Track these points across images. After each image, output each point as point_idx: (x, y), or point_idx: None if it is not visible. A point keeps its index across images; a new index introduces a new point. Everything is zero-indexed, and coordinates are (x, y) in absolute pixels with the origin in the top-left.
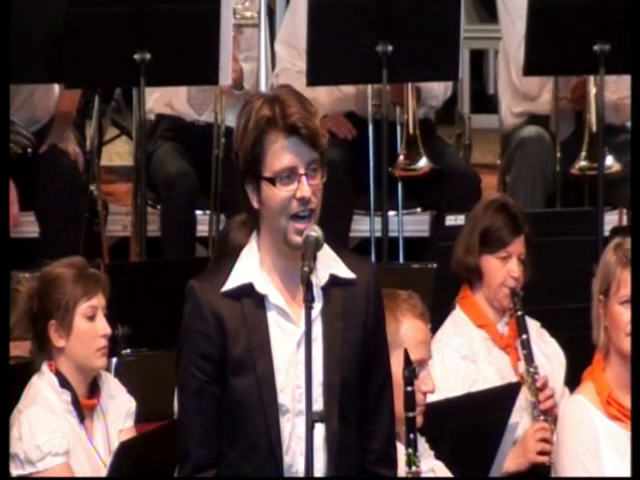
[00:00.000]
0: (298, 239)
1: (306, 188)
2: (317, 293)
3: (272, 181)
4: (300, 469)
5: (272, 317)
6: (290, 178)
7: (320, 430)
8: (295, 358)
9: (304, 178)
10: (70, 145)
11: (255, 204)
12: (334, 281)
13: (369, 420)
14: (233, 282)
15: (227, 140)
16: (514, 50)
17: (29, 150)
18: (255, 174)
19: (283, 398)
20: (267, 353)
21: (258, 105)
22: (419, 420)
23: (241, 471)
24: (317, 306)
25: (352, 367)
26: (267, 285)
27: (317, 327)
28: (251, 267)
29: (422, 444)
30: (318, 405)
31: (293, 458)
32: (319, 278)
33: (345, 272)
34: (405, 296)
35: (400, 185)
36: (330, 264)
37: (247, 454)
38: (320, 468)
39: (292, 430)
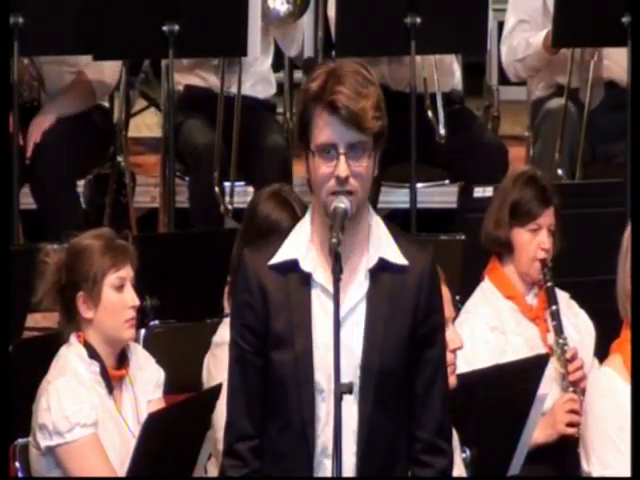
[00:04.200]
0: None
1: (343, 167)
2: (365, 276)
3: (314, 154)
4: None
5: (316, 295)
6: (330, 155)
7: (354, 413)
8: (340, 334)
9: (342, 157)
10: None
11: (307, 173)
12: (383, 265)
13: (418, 410)
14: (280, 256)
15: (254, 111)
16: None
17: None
18: (304, 143)
19: (320, 376)
20: (307, 331)
21: (315, 75)
22: (452, 380)
23: (278, 446)
24: (362, 289)
25: (394, 354)
26: (313, 262)
27: (361, 310)
28: (301, 242)
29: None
30: (356, 388)
31: (329, 440)
32: (368, 261)
33: (397, 257)
34: None
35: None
36: (382, 247)
37: (283, 430)
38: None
39: (328, 410)
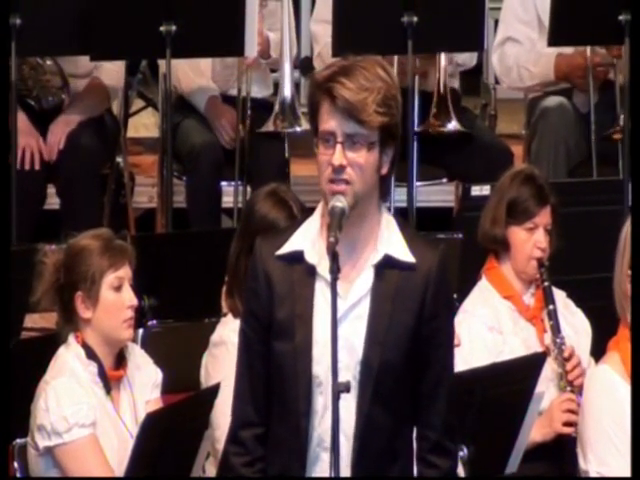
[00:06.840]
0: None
1: (337, 156)
2: (370, 272)
3: (318, 140)
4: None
5: (320, 288)
6: (330, 143)
7: (353, 408)
8: (337, 332)
9: (339, 146)
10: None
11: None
12: (390, 262)
13: (424, 409)
14: (288, 247)
15: (252, 111)
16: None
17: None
18: (313, 128)
19: (318, 370)
20: (308, 323)
21: (329, 65)
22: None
23: (275, 436)
24: (367, 285)
25: (395, 351)
26: (318, 255)
27: (364, 305)
28: (310, 233)
29: None
30: (356, 383)
31: (326, 432)
32: (374, 257)
33: (404, 255)
34: None
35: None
36: (390, 244)
37: (280, 420)
38: (350, 445)
39: (326, 404)
